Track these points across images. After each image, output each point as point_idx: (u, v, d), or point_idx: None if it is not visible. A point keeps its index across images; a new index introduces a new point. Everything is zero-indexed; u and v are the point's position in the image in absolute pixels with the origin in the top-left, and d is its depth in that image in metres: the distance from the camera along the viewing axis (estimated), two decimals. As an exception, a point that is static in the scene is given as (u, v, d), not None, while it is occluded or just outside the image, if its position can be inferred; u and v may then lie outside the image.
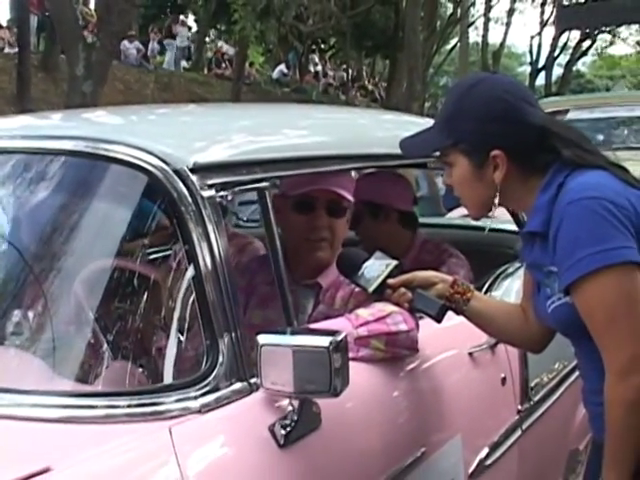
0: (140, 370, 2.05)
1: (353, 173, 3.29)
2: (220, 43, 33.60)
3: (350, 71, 37.53)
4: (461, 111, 2.20)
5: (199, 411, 1.84)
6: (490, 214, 2.27)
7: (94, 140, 2.12)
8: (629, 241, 1.98)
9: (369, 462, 2.22)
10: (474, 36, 43.37)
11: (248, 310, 2.66)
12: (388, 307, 2.37)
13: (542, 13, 41.07)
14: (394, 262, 2.46)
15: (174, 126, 2.55)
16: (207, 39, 35.68)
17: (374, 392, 2.31)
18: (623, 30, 43.46)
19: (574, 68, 46.28)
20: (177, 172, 2.00)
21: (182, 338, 1.98)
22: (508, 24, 43.38)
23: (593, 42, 44.29)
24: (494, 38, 48.37)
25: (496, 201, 2.22)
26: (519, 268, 3.16)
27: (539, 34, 41.86)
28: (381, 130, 3.20)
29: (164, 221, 2.05)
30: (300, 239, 2.69)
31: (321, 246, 2.69)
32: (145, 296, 2.07)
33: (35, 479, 1.56)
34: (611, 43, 47.98)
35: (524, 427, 3.03)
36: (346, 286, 2.62)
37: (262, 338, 1.86)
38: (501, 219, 2.55)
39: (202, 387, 1.87)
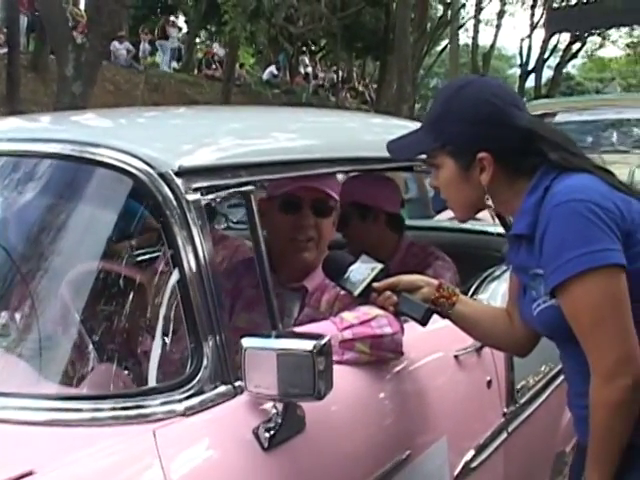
0: (126, 373, 2.05)
1: (340, 176, 3.28)
2: (215, 46, 33.52)
3: (340, 73, 37.52)
4: (449, 113, 2.20)
5: (184, 414, 1.84)
6: (482, 216, 2.27)
7: (80, 143, 2.12)
8: (615, 244, 1.98)
9: (354, 465, 2.22)
10: (464, 38, 43.43)
11: (234, 313, 2.66)
12: (373, 310, 2.38)
13: (532, 15, 41.09)
14: (380, 265, 2.47)
15: (162, 129, 2.56)
16: (197, 40, 35.64)
17: (359, 395, 2.32)
18: (613, 33, 43.63)
19: (564, 70, 46.26)
20: (162, 175, 2.00)
21: (167, 341, 1.98)
22: (498, 26, 43.46)
23: (583, 44, 44.32)
24: (484, 40, 48.42)
25: (489, 203, 2.22)
26: (506, 271, 3.16)
27: (529, 36, 41.86)
28: (369, 134, 3.21)
29: (149, 224, 2.06)
30: (286, 240, 2.69)
31: (307, 246, 2.69)
32: (131, 299, 2.07)
33: (18, 482, 1.56)
34: (601, 46, 48.08)
35: (510, 430, 3.03)
36: (332, 289, 2.63)
37: (246, 341, 1.87)
38: (489, 222, 2.57)
39: (187, 390, 1.88)
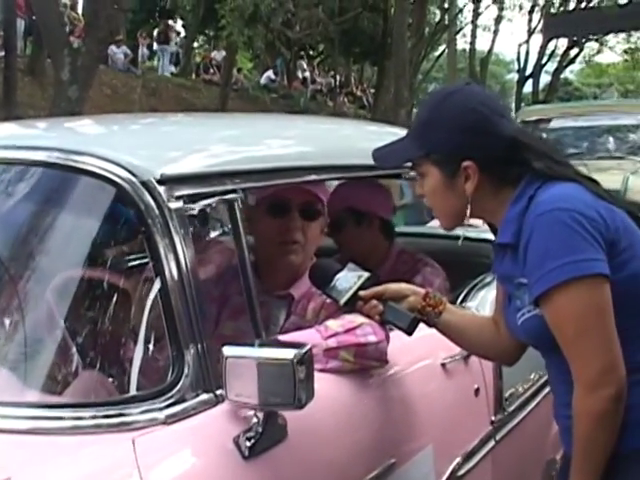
0: (108, 380, 2.05)
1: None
2: (214, 53, 33.51)
3: (338, 77, 37.49)
4: (434, 121, 2.20)
5: (165, 422, 1.84)
6: (465, 222, 2.27)
7: (66, 151, 2.12)
8: (599, 253, 1.98)
9: (337, 474, 2.21)
10: (462, 43, 43.31)
11: (221, 321, 2.65)
12: (358, 319, 2.37)
13: (530, 21, 41.04)
14: (366, 274, 2.46)
15: (151, 136, 2.56)
16: (195, 44, 35.64)
17: (343, 403, 2.31)
18: (611, 38, 43.55)
19: (562, 76, 46.18)
20: (144, 184, 2.00)
21: (149, 349, 1.98)
22: (496, 32, 43.38)
23: (581, 50, 44.26)
24: (482, 45, 48.55)
25: (467, 212, 2.22)
26: (495, 279, 3.16)
27: (527, 42, 41.82)
28: (364, 141, 3.20)
29: (132, 232, 2.06)
30: (273, 244, 2.69)
31: (293, 249, 2.69)
32: (113, 307, 2.08)
33: (-6, 490, 1.56)
34: (599, 51, 47.97)
35: (498, 438, 3.02)
36: (318, 297, 2.62)
37: (227, 350, 1.86)
38: (481, 229, 2.56)
39: (168, 398, 1.88)
